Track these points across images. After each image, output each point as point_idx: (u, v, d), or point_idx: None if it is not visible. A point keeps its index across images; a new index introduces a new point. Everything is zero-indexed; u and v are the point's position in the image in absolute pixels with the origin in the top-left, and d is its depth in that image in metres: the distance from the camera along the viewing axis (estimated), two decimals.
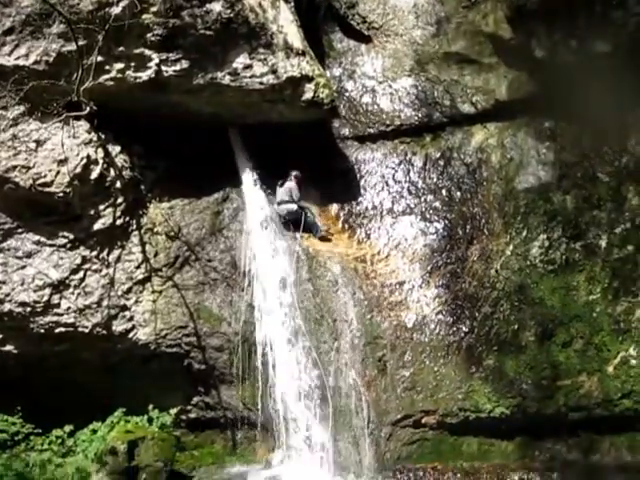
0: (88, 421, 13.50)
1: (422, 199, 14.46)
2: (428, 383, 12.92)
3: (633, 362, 12.24)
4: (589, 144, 13.75)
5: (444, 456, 12.60)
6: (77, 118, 13.13)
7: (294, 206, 14.41)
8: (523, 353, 12.71)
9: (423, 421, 12.81)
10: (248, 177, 14.48)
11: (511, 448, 12.53)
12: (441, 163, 14.60)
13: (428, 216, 14.26)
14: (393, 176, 14.85)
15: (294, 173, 14.46)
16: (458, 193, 14.26)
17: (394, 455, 12.71)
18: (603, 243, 13.11)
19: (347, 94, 15.90)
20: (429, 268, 13.78)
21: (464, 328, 13.12)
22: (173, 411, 13.77)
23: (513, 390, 12.58)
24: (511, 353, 12.78)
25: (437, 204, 14.31)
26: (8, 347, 13.33)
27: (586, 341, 12.56)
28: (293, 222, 14.39)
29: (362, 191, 14.95)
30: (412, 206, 14.48)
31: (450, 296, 13.42)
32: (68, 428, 13.44)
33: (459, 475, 12.07)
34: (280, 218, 14.45)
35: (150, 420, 13.55)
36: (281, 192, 14.53)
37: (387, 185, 14.78)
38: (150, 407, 13.63)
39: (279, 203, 14.49)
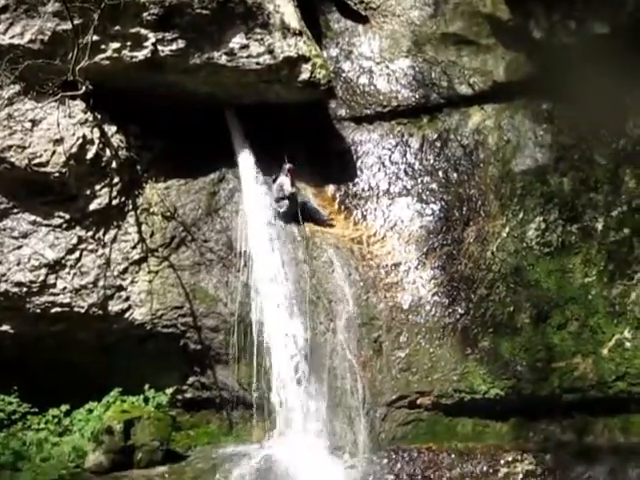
0: (84, 401, 13.54)
1: (419, 180, 14.42)
2: (423, 364, 12.94)
3: (628, 345, 12.25)
4: (587, 126, 13.71)
5: (439, 437, 12.63)
6: (73, 98, 13.09)
7: (285, 203, 14.21)
8: (518, 335, 12.73)
9: (418, 402, 12.85)
10: (244, 158, 14.42)
11: (505, 429, 12.56)
12: (438, 144, 14.56)
13: (424, 197, 14.24)
14: (390, 157, 14.80)
15: (287, 167, 14.21)
16: (455, 175, 14.23)
17: (389, 435, 12.75)
18: (599, 226, 13.09)
19: (344, 75, 15.79)
20: (425, 250, 13.76)
21: (460, 310, 13.13)
22: (169, 391, 13.80)
23: (508, 372, 12.60)
24: (506, 335, 12.79)
25: (434, 185, 14.28)
26: (4, 327, 13.36)
27: (581, 323, 12.57)
28: (293, 216, 14.25)
29: (358, 172, 14.90)
30: (408, 187, 14.45)
31: (446, 278, 13.42)
32: (64, 408, 13.48)
33: (453, 455, 12.07)
34: (280, 214, 14.27)
35: (146, 400, 13.58)
36: (275, 188, 14.33)
37: (384, 166, 14.74)
38: (146, 387, 13.66)
39: (276, 200, 14.29)
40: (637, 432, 12.01)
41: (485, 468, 11.83)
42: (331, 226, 14.42)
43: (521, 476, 11.66)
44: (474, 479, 11.74)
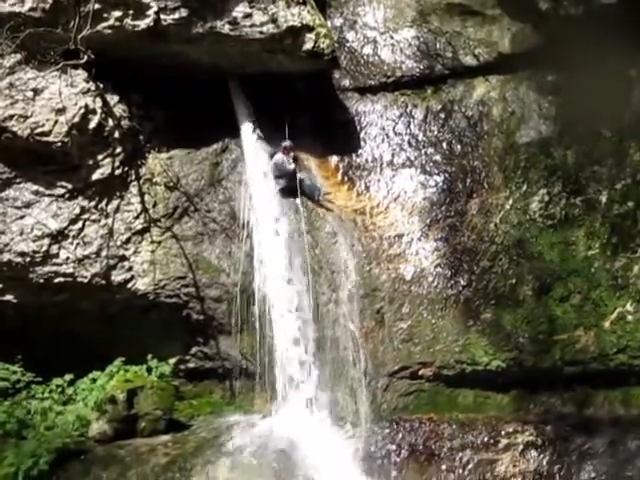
0: (88, 370, 13.60)
1: (422, 152, 14.36)
2: (425, 335, 12.99)
3: (629, 318, 12.29)
4: (592, 99, 13.59)
5: (440, 407, 12.72)
6: (75, 67, 13.00)
7: (283, 181, 14.13)
8: (520, 307, 12.76)
9: (420, 373, 12.92)
10: (247, 128, 14.33)
11: (506, 401, 12.65)
12: (442, 116, 14.47)
13: (428, 169, 14.19)
14: (393, 128, 14.72)
15: (284, 144, 14.05)
16: (458, 146, 14.17)
17: (390, 406, 12.84)
18: (603, 199, 13.06)
19: (348, 45, 15.65)
20: (428, 221, 13.75)
21: (462, 281, 13.15)
22: (172, 361, 13.88)
23: (510, 344, 12.66)
24: (508, 307, 12.83)
25: (437, 157, 14.22)
26: (7, 297, 13.38)
27: (583, 296, 12.59)
28: (290, 193, 14.14)
29: (362, 143, 14.82)
30: (412, 159, 14.39)
31: (449, 249, 13.42)
32: (68, 377, 13.54)
33: (455, 426, 12.14)
34: (278, 191, 14.17)
35: (149, 370, 13.65)
36: (272, 166, 14.20)
37: (387, 137, 14.66)
38: (149, 357, 13.72)
39: (274, 177, 14.19)
40: (637, 404, 12.11)
41: (486, 439, 11.91)
42: (327, 206, 14.27)
43: (521, 447, 11.74)
44: (475, 450, 11.82)
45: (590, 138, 13.41)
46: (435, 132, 14.40)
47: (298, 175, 14.09)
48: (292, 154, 14.09)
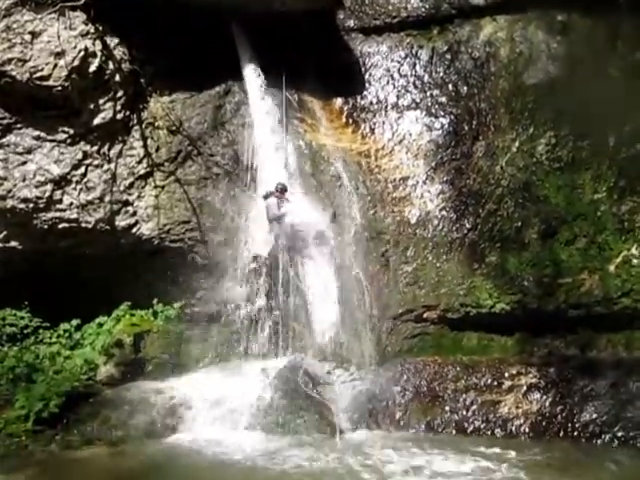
0: (94, 315, 13.76)
1: (428, 93, 14.16)
2: (430, 279, 13.05)
3: (635, 261, 12.26)
4: (602, 38, 13.33)
5: (444, 350, 12.86)
6: (73, 9, 12.73)
7: (276, 226, 13.56)
8: (526, 250, 12.75)
9: (424, 316, 13.02)
10: (250, 70, 14.12)
11: (510, 343, 12.76)
12: (448, 57, 14.22)
13: (434, 111, 14.02)
14: (398, 70, 14.49)
15: (279, 186, 13.40)
16: (465, 88, 13.95)
17: (395, 348, 12.98)
18: (611, 141, 12.89)
19: None
20: (433, 164, 13.66)
21: (467, 224, 13.13)
22: (177, 305, 13.99)
23: (514, 287, 12.70)
24: (514, 250, 12.82)
25: (443, 99, 14.04)
26: (13, 243, 13.41)
27: (589, 240, 12.55)
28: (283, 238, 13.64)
29: (367, 85, 14.62)
30: (417, 101, 14.21)
31: (454, 192, 13.36)
32: (75, 322, 13.71)
33: (459, 368, 12.26)
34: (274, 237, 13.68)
35: (155, 314, 13.80)
36: (265, 209, 13.57)
37: (392, 79, 14.45)
38: (155, 301, 13.85)
39: (268, 221, 13.61)
40: None
41: (490, 381, 12.04)
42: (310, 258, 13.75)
43: (525, 389, 11.86)
44: (479, 391, 11.95)
45: (599, 79, 13.14)
46: (441, 73, 14.18)
47: (289, 219, 13.42)
48: (285, 196, 13.44)
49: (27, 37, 12.62)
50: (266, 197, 13.44)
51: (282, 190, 13.37)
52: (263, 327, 13.26)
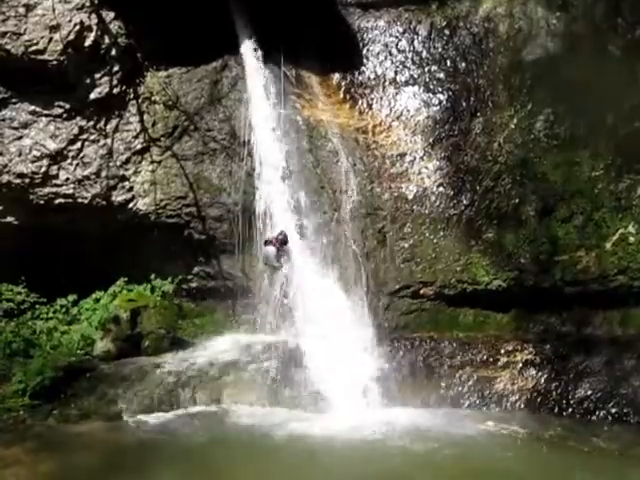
0: (91, 291, 13.77)
1: (426, 69, 14.08)
2: (427, 255, 13.08)
3: (631, 239, 12.27)
4: (601, 15, 13.23)
5: (441, 326, 12.94)
6: None
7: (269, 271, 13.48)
8: (523, 227, 12.77)
9: (421, 292, 13.06)
10: (248, 45, 13.98)
11: (506, 320, 12.83)
12: (447, 32, 14.10)
13: (432, 87, 13.95)
14: (397, 45, 14.38)
15: (280, 237, 13.12)
16: (463, 64, 13.87)
17: (392, 324, 13.04)
18: (609, 119, 12.84)
19: None
20: (431, 140, 13.62)
21: (464, 201, 13.12)
22: (175, 280, 14.01)
23: (511, 264, 12.74)
24: (511, 227, 12.83)
25: (441, 75, 13.96)
26: (9, 219, 13.39)
27: (586, 217, 12.55)
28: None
29: (364, 60, 14.51)
30: (415, 76, 14.13)
31: (451, 169, 13.34)
32: (72, 297, 13.73)
33: (455, 344, 12.36)
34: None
35: (152, 289, 13.81)
36: (262, 256, 13.41)
37: (390, 54, 14.34)
38: (152, 277, 13.87)
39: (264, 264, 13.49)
40: (635, 324, 12.23)
41: (485, 357, 12.14)
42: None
43: (520, 365, 11.96)
44: (475, 367, 12.05)
45: (599, 56, 13.05)
46: (439, 49, 14.08)
47: (285, 270, 13.33)
48: (284, 248, 13.18)
49: (21, 10, 12.51)
50: (266, 243, 13.19)
51: (283, 242, 13.09)
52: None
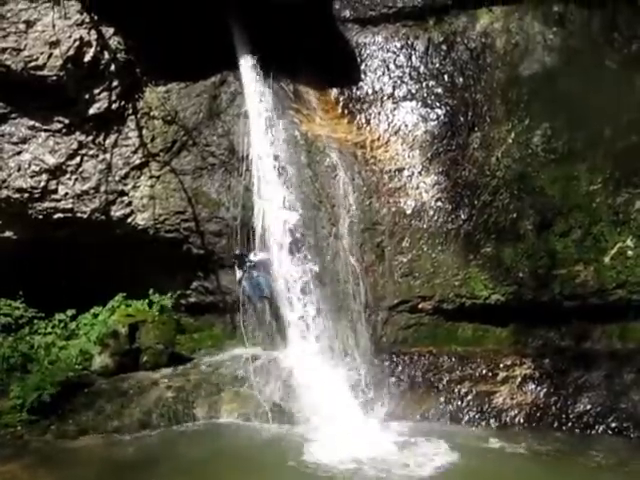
0: (89, 306, 13.78)
1: (424, 84, 14.07)
2: (425, 269, 13.03)
3: (630, 253, 12.23)
4: (598, 30, 13.28)
5: (439, 340, 12.89)
6: None
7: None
8: (521, 242, 12.73)
9: (419, 306, 13.02)
10: (246, 60, 13.99)
11: (505, 334, 12.78)
12: (444, 48, 14.10)
13: (429, 102, 13.93)
14: (394, 60, 14.38)
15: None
16: (461, 79, 13.86)
17: (390, 339, 13.01)
18: (607, 133, 12.86)
19: None
20: (429, 155, 13.59)
21: (463, 216, 13.10)
22: (173, 295, 14.04)
23: (509, 278, 12.69)
24: (509, 241, 12.80)
25: (439, 90, 13.94)
26: (7, 233, 13.43)
27: (584, 231, 12.51)
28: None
29: (362, 75, 14.47)
30: (413, 92, 14.11)
31: (449, 183, 13.31)
32: (70, 312, 13.73)
33: (454, 359, 12.34)
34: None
35: (150, 304, 13.83)
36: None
37: (388, 70, 14.35)
38: (150, 291, 13.89)
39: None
40: (634, 338, 12.19)
41: (484, 371, 12.11)
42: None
43: (519, 380, 11.94)
44: (473, 382, 12.03)
45: (595, 70, 13.08)
46: (437, 64, 14.07)
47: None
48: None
49: (22, 26, 12.55)
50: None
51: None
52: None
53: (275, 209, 13.26)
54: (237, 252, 13.33)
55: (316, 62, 14.25)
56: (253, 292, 13.35)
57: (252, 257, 13.20)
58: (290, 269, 13.07)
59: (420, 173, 13.53)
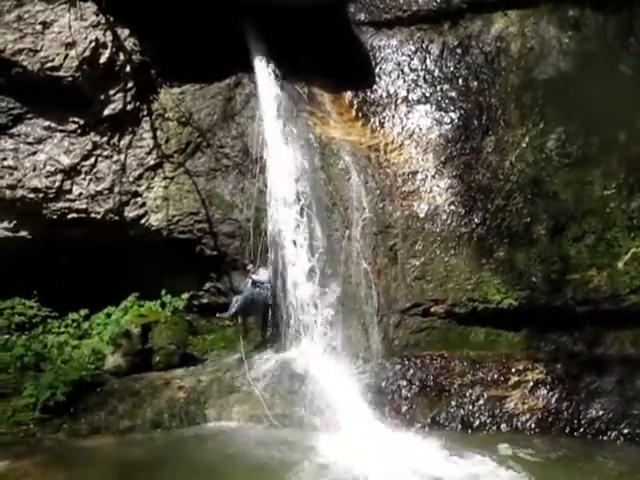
0: (102, 306, 13.83)
1: (438, 88, 14.09)
2: (438, 273, 13.02)
3: None
4: (613, 34, 13.25)
5: (451, 344, 12.86)
6: None
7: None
8: (534, 246, 12.72)
9: (432, 310, 13.00)
10: (261, 63, 14.05)
11: (517, 339, 12.75)
12: (459, 51, 14.12)
13: (444, 105, 13.94)
14: (409, 64, 14.41)
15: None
16: (475, 83, 13.87)
17: (402, 342, 12.96)
18: (621, 138, 12.83)
19: None
20: (443, 158, 13.59)
21: (476, 219, 13.09)
22: (185, 296, 14.09)
23: (522, 282, 12.67)
24: (522, 246, 12.78)
25: (453, 93, 13.96)
26: (22, 233, 13.46)
27: (598, 236, 12.51)
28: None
29: (377, 79, 14.52)
30: (427, 95, 14.14)
31: (463, 187, 13.31)
32: (83, 312, 13.80)
33: (465, 363, 12.32)
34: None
35: (163, 305, 13.87)
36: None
37: (402, 73, 14.38)
38: (163, 292, 13.94)
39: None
40: None
41: (496, 376, 12.09)
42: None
43: (531, 384, 11.91)
44: (485, 386, 12.00)
45: (610, 75, 13.06)
46: (451, 68, 14.09)
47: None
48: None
49: (38, 27, 12.65)
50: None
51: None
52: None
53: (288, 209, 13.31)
54: (246, 264, 13.53)
55: (330, 65, 14.29)
56: (242, 310, 13.57)
57: (253, 276, 13.33)
58: (303, 269, 13.08)
59: (434, 176, 13.52)
